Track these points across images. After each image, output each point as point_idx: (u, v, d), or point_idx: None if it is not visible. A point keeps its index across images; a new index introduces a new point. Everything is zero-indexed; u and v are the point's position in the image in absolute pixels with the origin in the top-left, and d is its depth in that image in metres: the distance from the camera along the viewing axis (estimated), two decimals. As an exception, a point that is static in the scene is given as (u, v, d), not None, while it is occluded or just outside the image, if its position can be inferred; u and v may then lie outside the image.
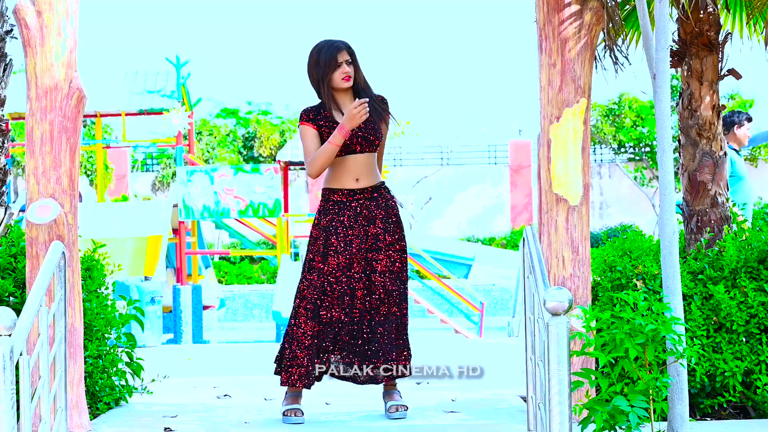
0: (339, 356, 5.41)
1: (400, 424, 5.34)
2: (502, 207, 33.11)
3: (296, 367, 5.41)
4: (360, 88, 5.57)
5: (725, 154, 6.07)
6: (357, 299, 5.42)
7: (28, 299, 4.43)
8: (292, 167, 19.49)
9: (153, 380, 6.43)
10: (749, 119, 8.23)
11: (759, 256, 5.50)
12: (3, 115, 6.02)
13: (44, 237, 5.04)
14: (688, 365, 5.25)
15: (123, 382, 6.01)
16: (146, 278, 13.68)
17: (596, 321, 4.29)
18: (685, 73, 6.09)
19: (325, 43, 5.51)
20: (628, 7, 6.34)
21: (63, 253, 4.93)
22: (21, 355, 4.07)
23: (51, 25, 5.14)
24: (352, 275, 5.43)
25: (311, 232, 5.54)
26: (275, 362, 5.54)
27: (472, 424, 5.36)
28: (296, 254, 19.44)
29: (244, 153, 33.80)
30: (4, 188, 5.95)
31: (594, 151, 32.20)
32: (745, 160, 30.15)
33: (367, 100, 5.41)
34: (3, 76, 6.02)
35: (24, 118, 10.91)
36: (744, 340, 5.40)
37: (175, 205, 15.44)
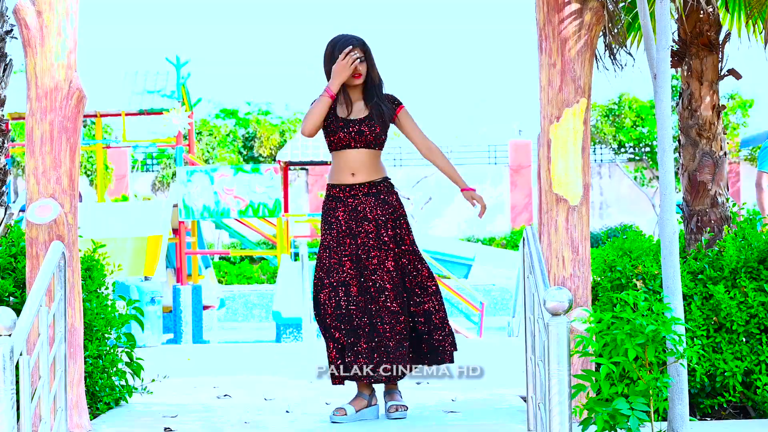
0: (360, 359, 5.38)
1: (400, 424, 5.34)
2: (502, 207, 33.11)
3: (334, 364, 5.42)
4: (372, 85, 5.56)
5: (725, 154, 6.07)
6: (352, 296, 5.41)
7: (28, 299, 4.43)
8: (292, 167, 19.49)
9: (153, 380, 6.43)
10: None
11: (759, 256, 5.50)
12: (3, 115, 6.02)
13: (44, 237, 5.04)
14: (688, 365, 5.25)
15: (123, 382, 6.01)
16: (146, 278, 13.68)
17: (598, 323, 4.29)
18: (685, 73, 6.09)
19: (340, 38, 5.53)
20: (628, 6, 6.33)
21: (63, 253, 4.93)
22: (21, 355, 4.07)
23: (51, 25, 5.14)
24: (347, 271, 5.43)
25: (321, 227, 5.60)
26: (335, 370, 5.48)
27: (472, 424, 5.36)
28: (296, 254, 19.43)
29: (244, 153, 33.81)
30: (4, 188, 5.95)
31: (594, 151, 32.21)
32: (744, 160, 30.21)
33: (351, 49, 5.42)
34: (3, 76, 6.02)
35: (24, 118, 10.91)
36: (744, 340, 5.40)
37: (175, 205, 15.45)
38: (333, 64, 5.48)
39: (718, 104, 6.06)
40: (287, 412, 5.77)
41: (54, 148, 5.12)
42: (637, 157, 30.56)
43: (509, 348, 9.68)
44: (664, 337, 4.22)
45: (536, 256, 4.80)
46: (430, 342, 5.48)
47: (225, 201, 15.34)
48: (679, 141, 6.15)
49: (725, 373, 5.32)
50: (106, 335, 5.85)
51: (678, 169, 6.13)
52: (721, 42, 6.06)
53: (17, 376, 4.07)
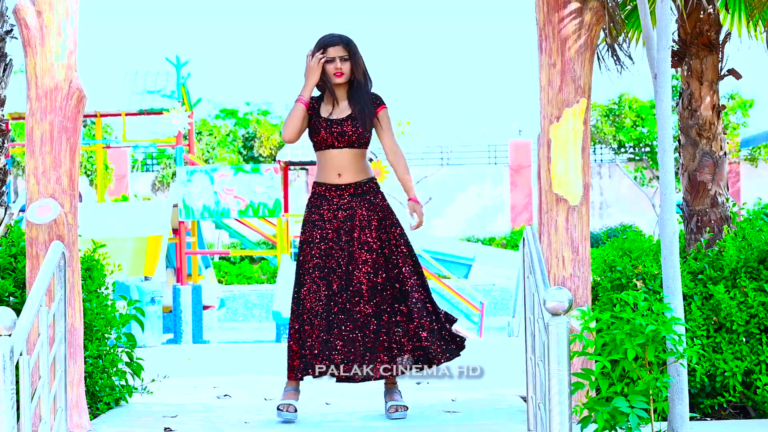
0: (333, 356, 5.37)
1: (400, 424, 5.34)
2: (502, 207, 33.11)
3: (298, 360, 5.40)
4: (358, 85, 5.56)
5: (725, 154, 6.07)
6: (335, 294, 5.40)
7: (28, 299, 4.43)
8: (292, 167, 19.49)
9: (153, 380, 6.43)
10: None
11: (759, 256, 5.49)
12: (3, 115, 6.01)
13: (44, 237, 5.03)
14: (688, 365, 5.25)
15: (123, 382, 6.01)
16: (146, 278, 13.67)
17: (596, 322, 4.29)
18: (685, 73, 6.08)
19: (326, 37, 5.55)
20: (629, 7, 6.34)
21: (63, 253, 4.93)
22: (21, 355, 4.07)
23: (51, 25, 5.14)
24: (331, 269, 5.42)
25: (302, 226, 5.60)
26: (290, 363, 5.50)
27: (472, 424, 5.36)
28: (296, 254, 19.42)
29: (244, 153, 33.81)
30: (4, 188, 5.95)
31: (594, 151, 32.20)
32: (744, 160, 30.22)
33: (320, 52, 5.45)
34: (3, 76, 6.02)
35: (24, 118, 10.91)
36: (744, 340, 5.40)
37: (175, 205, 15.45)
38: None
39: (718, 104, 6.06)
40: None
41: (54, 148, 5.12)
42: (637, 157, 30.56)
43: (509, 348, 9.68)
44: (664, 337, 4.22)
45: (536, 256, 4.80)
46: (415, 343, 5.44)
47: (225, 201, 15.35)
48: (679, 141, 6.15)
49: (725, 373, 5.32)
50: (106, 335, 5.85)
51: (678, 169, 6.12)
52: (721, 42, 6.06)
53: (17, 376, 4.07)
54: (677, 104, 6.17)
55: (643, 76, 5.67)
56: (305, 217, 5.56)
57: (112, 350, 5.88)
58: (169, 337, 14.61)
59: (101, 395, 5.76)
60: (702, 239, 5.85)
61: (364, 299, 5.41)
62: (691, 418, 5.10)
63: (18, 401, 4.06)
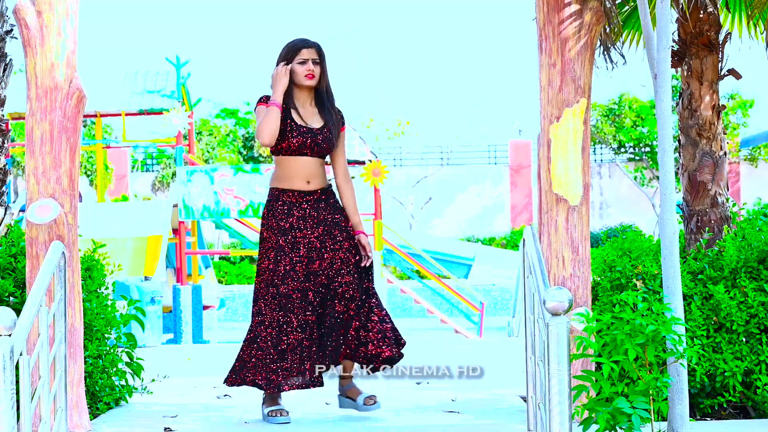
0: (302, 362, 5.37)
1: (400, 424, 5.34)
2: (502, 207, 33.12)
3: (266, 372, 5.37)
4: (323, 92, 5.56)
5: (725, 154, 6.07)
6: (308, 301, 5.39)
7: (28, 299, 4.43)
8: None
9: (153, 380, 6.43)
10: None
11: (759, 256, 5.50)
12: (3, 115, 6.02)
13: (44, 237, 5.03)
14: (688, 365, 5.25)
15: (123, 382, 6.01)
16: (146, 278, 13.67)
17: (596, 323, 4.29)
18: (685, 73, 6.09)
19: (298, 40, 5.54)
20: (628, 8, 6.34)
21: (63, 253, 4.93)
22: (21, 355, 4.07)
23: (51, 25, 5.14)
24: (300, 276, 5.40)
25: (263, 232, 5.50)
26: (235, 371, 5.48)
27: (472, 424, 5.36)
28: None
29: (244, 153, 33.82)
30: (4, 188, 5.95)
31: (594, 151, 32.22)
32: (744, 160, 30.23)
33: (282, 65, 5.44)
34: (3, 76, 6.02)
35: (24, 118, 10.91)
36: (744, 340, 5.40)
37: (175, 205, 15.45)
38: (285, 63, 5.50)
39: (718, 104, 6.06)
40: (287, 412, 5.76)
41: (54, 148, 5.12)
42: (637, 157, 30.57)
43: (509, 348, 9.68)
44: (664, 337, 4.22)
45: (536, 256, 4.80)
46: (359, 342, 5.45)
47: (225, 201, 15.34)
48: (679, 141, 6.16)
49: (725, 373, 5.32)
50: (106, 335, 5.85)
51: (678, 169, 6.13)
52: (721, 42, 6.07)
53: (17, 376, 4.07)
54: (677, 104, 6.18)
55: (643, 76, 5.68)
56: (271, 227, 5.45)
57: (112, 350, 5.88)
58: (169, 337, 14.61)
59: (101, 395, 5.76)
60: (702, 239, 5.85)
61: (338, 300, 5.40)
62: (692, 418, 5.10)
63: (18, 401, 4.06)
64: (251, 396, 6.34)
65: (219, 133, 33.23)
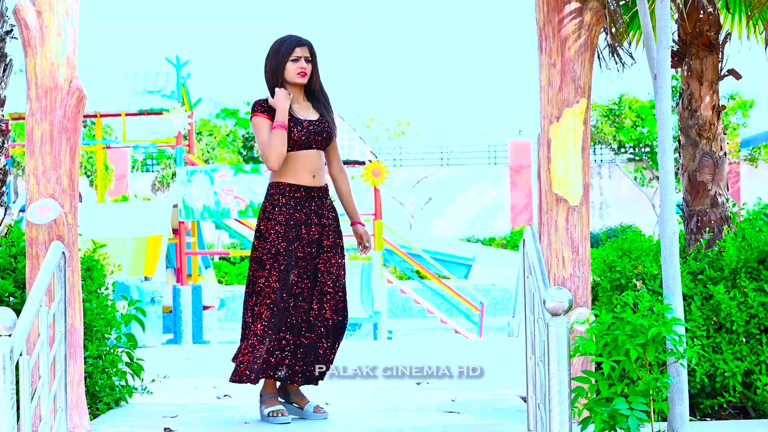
0: (287, 360, 5.37)
1: (400, 424, 5.34)
2: (502, 207, 33.12)
3: (254, 363, 5.37)
4: (315, 90, 5.57)
5: (725, 154, 6.07)
6: (300, 298, 5.39)
7: (28, 299, 4.43)
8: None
9: (153, 380, 6.43)
10: None
11: (759, 256, 5.49)
12: (3, 115, 6.02)
13: (44, 237, 5.03)
14: (688, 365, 5.25)
15: (123, 383, 6.01)
16: (146, 278, 13.68)
17: (597, 324, 4.29)
18: (685, 73, 6.09)
19: (289, 36, 5.54)
20: (627, 6, 6.33)
21: (63, 253, 4.93)
22: (21, 355, 4.07)
23: (51, 25, 5.14)
24: (300, 272, 5.40)
25: (262, 227, 5.47)
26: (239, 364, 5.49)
27: (472, 424, 5.36)
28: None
29: (244, 153, 33.82)
30: (4, 188, 5.95)
31: (594, 151, 32.22)
32: (744, 160, 30.22)
33: (283, 90, 5.45)
34: (3, 76, 6.02)
35: (24, 118, 10.91)
36: (744, 340, 5.40)
37: (175, 205, 15.45)
38: (276, 59, 5.48)
39: (718, 104, 6.06)
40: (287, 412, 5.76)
41: (54, 148, 5.12)
42: (637, 157, 30.57)
43: (509, 348, 9.68)
44: (665, 337, 4.22)
45: (536, 256, 4.80)
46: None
47: (225, 201, 15.34)
48: (679, 141, 6.16)
49: (725, 374, 5.32)
50: (106, 335, 5.85)
51: (678, 169, 6.13)
52: (721, 42, 6.07)
53: (17, 376, 4.07)
54: (677, 104, 6.18)
55: (643, 76, 5.68)
56: (274, 220, 5.43)
57: (112, 350, 5.88)
58: (169, 337, 14.61)
59: (101, 395, 5.76)
60: (702, 239, 5.85)
61: (318, 302, 5.41)
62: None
63: (18, 401, 4.06)
64: (251, 396, 6.34)
65: (219, 133, 33.23)
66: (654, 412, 4.24)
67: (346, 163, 15.10)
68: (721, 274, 5.47)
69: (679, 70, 6.15)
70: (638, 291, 5.33)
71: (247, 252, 20.44)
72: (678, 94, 6.51)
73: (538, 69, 5.28)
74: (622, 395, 4.19)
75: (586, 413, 4.30)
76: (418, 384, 6.63)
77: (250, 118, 5.56)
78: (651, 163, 29.88)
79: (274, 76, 5.50)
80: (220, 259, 28.93)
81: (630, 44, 6.44)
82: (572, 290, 5.13)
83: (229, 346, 11.93)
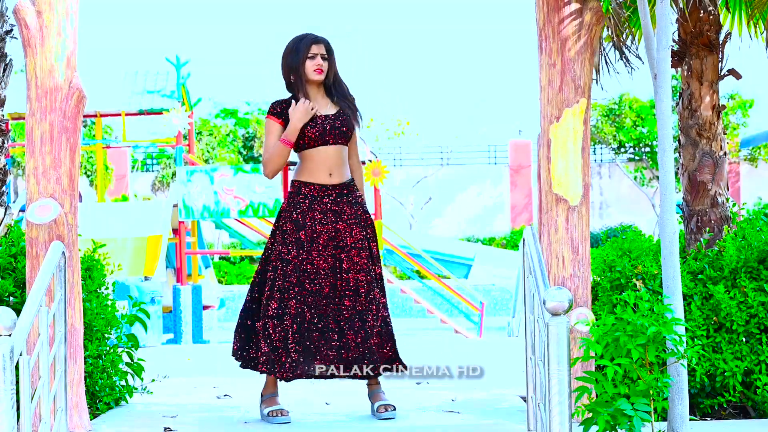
0: (314, 356, 5.36)
1: (400, 424, 5.34)
2: (502, 207, 33.11)
3: (275, 362, 5.36)
4: (332, 84, 5.58)
5: (725, 154, 6.07)
6: (322, 296, 5.39)
7: (28, 299, 4.43)
8: (291, 167, 19.48)
9: (153, 380, 6.43)
10: None
11: (759, 256, 5.49)
12: (3, 115, 6.01)
13: (44, 237, 5.03)
14: (689, 365, 5.25)
15: (123, 383, 6.01)
16: (146, 278, 13.68)
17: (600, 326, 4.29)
18: (685, 73, 6.09)
19: (305, 35, 5.56)
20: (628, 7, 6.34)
21: (63, 253, 4.93)
22: (21, 355, 4.07)
23: (51, 25, 5.14)
24: (318, 271, 5.41)
25: (278, 224, 5.49)
26: (238, 355, 5.48)
27: (472, 424, 5.36)
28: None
29: (244, 153, 33.82)
30: (4, 188, 5.95)
31: (594, 151, 32.21)
32: (744, 160, 30.22)
33: (311, 105, 5.45)
34: (3, 76, 6.02)
35: (24, 118, 10.91)
36: (744, 340, 5.40)
37: (175, 205, 15.45)
38: (293, 58, 5.50)
39: (718, 104, 6.06)
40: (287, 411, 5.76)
41: (54, 148, 5.12)
42: (637, 157, 30.57)
43: (509, 348, 9.68)
44: (665, 337, 4.22)
45: (536, 256, 4.80)
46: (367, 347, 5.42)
47: (225, 201, 15.34)
48: (679, 141, 6.16)
49: (725, 373, 5.32)
50: (107, 335, 5.85)
51: (678, 169, 6.13)
52: (721, 42, 6.07)
53: (17, 376, 4.07)
54: (677, 104, 6.17)
55: (643, 76, 5.68)
56: (290, 218, 5.45)
57: (112, 350, 5.88)
58: (169, 337, 14.61)
59: (101, 395, 5.76)
60: (702, 239, 5.85)
61: (346, 298, 5.40)
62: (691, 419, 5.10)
63: (18, 401, 4.06)
64: (251, 396, 6.34)
65: (219, 133, 33.23)
66: (654, 412, 4.24)
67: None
68: (721, 273, 5.47)
69: (679, 69, 6.15)
70: (638, 291, 5.33)
71: (247, 252, 20.50)
72: (678, 94, 6.51)
73: (538, 69, 5.28)
74: (623, 395, 4.19)
75: (587, 414, 4.29)
76: (418, 384, 6.63)
77: (265, 119, 5.60)
78: (651, 163, 29.88)
79: (294, 76, 5.53)
80: (220, 259, 28.93)
81: (632, 42, 6.43)
82: (572, 290, 5.12)
83: (229, 347, 11.93)
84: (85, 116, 14.99)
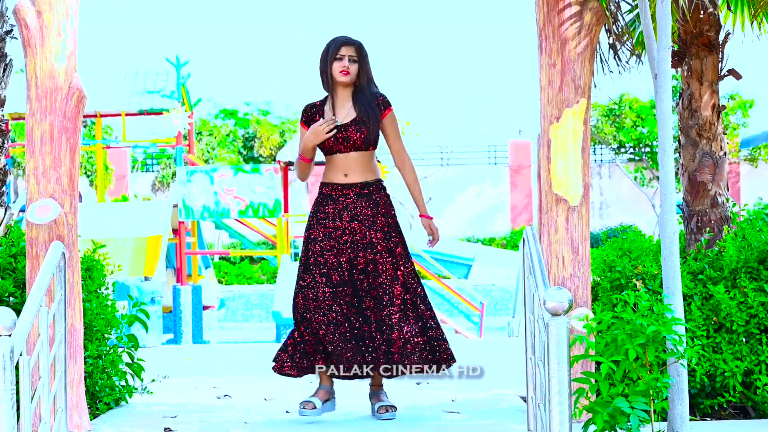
0: (334, 354, 5.37)
1: (400, 424, 5.34)
2: (502, 207, 33.11)
3: (293, 356, 5.42)
4: (364, 87, 5.59)
5: (725, 154, 6.07)
6: (338, 296, 5.41)
7: (28, 299, 4.43)
8: (292, 167, 19.49)
9: (153, 380, 6.43)
10: None
11: (759, 256, 5.49)
12: (3, 115, 6.01)
13: (44, 237, 5.03)
14: (688, 365, 5.25)
15: (123, 383, 6.01)
16: (146, 278, 13.68)
17: (598, 323, 4.29)
18: (685, 73, 6.08)
19: (339, 37, 5.62)
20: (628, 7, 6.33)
21: (63, 253, 4.93)
22: (21, 355, 4.07)
23: (51, 25, 5.14)
24: (335, 269, 5.44)
25: (307, 224, 5.65)
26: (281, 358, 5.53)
27: (472, 424, 5.36)
28: (296, 254, 19.44)
29: (244, 153, 33.81)
30: (4, 188, 5.95)
31: (594, 151, 32.21)
32: (744, 160, 30.22)
33: (333, 120, 5.50)
34: (3, 76, 6.02)
35: (24, 118, 10.91)
36: (744, 340, 5.40)
37: (175, 205, 15.45)
38: (324, 59, 5.57)
39: (718, 104, 6.06)
40: (287, 412, 5.77)
41: (54, 148, 5.12)
42: (637, 157, 30.56)
43: (509, 348, 9.68)
44: (665, 337, 4.22)
45: (536, 256, 4.80)
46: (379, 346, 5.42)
47: (225, 201, 15.35)
48: (679, 141, 6.16)
49: (725, 374, 5.32)
50: (106, 335, 5.85)
51: (678, 169, 6.12)
52: (721, 42, 6.06)
53: (17, 376, 4.07)
54: (677, 104, 6.17)
55: (643, 76, 5.68)
56: (310, 216, 5.61)
57: (112, 350, 5.87)
58: (169, 337, 14.62)
59: (101, 395, 5.76)
60: (702, 239, 5.85)
61: (365, 298, 5.42)
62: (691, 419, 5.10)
63: (18, 401, 4.06)
64: (251, 396, 6.35)
65: (219, 133, 33.22)
66: (654, 412, 4.24)
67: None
68: (721, 274, 5.47)
69: (679, 70, 6.15)
70: (638, 291, 5.33)
71: (247, 252, 20.47)
72: (678, 94, 6.50)
73: (538, 69, 5.28)
74: (622, 395, 4.19)
75: (587, 415, 4.29)
76: (418, 384, 6.63)
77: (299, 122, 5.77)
78: (651, 163, 29.87)
79: (324, 77, 5.61)
80: (220, 259, 28.93)
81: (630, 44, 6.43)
82: (572, 290, 5.13)
83: (229, 346, 11.94)
84: (85, 116, 14.99)
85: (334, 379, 5.52)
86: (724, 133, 6.10)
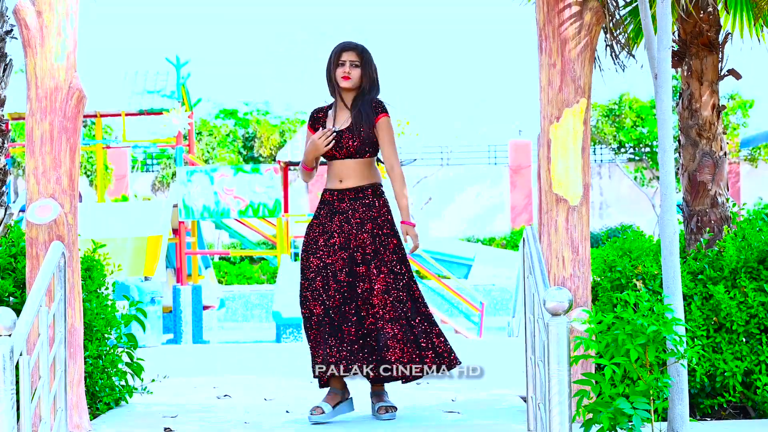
0: (338, 355, 5.38)
1: (400, 424, 5.34)
2: (502, 207, 33.11)
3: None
4: (363, 92, 5.58)
5: (725, 154, 6.07)
6: (334, 299, 5.43)
7: (28, 299, 4.43)
8: (292, 167, 19.49)
9: (153, 380, 6.43)
10: None
11: (759, 256, 5.49)
12: (3, 115, 6.01)
13: (44, 237, 5.03)
14: (689, 365, 5.25)
15: (123, 383, 6.01)
16: (146, 278, 13.68)
17: (598, 323, 4.29)
18: (685, 73, 6.08)
19: (342, 42, 5.64)
20: (629, 8, 6.33)
21: (63, 253, 4.93)
22: (21, 355, 4.07)
23: (51, 25, 5.14)
24: (332, 272, 5.46)
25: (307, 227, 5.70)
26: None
27: (472, 424, 5.36)
28: (296, 254, 19.43)
29: (244, 153, 33.81)
30: (4, 188, 5.95)
31: (594, 151, 32.21)
32: (744, 160, 30.22)
33: (331, 132, 5.52)
34: (3, 76, 6.02)
35: (24, 118, 10.92)
36: (744, 340, 5.40)
37: (175, 205, 15.45)
38: (327, 65, 5.60)
39: (718, 104, 6.06)
40: (287, 412, 5.77)
41: (54, 148, 5.12)
42: (637, 157, 30.56)
43: (509, 348, 9.68)
44: (665, 337, 4.22)
45: (536, 256, 4.80)
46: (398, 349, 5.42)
47: (225, 201, 15.35)
48: (679, 141, 6.16)
49: (725, 373, 5.32)
50: (106, 335, 5.85)
51: (678, 169, 6.12)
52: (721, 42, 6.06)
53: (17, 376, 4.07)
54: (677, 104, 6.17)
55: (643, 76, 5.68)
56: (310, 221, 5.67)
57: (112, 350, 5.87)
58: (169, 337, 14.62)
59: (101, 395, 5.76)
60: (702, 239, 5.85)
61: (361, 301, 5.42)
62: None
63: (18, 401, 4.06)
64: (251, 396, 6.35)
65: (219, 133, 33.22)
66: (654, 412, 4.24)
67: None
68: (721, 274, 5.47)
69: (679, 70, 6.15)
70: (638, 291, 5.33)
71: (247, 252, 20.48)
72: (678, 94, 6.50)
73: (538, 69, 5.27)
74: (622, 395, 4.19)
75: (588, 415, 4.29)
76: (418, 384, 6.63)
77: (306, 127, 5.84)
78: (651, 163, 29.87)
79: (328, 81, 5.64)
80: (220, 259, 28.93)
81: (630, 44, 6.43)
82: (572, 290, 5.12)
83: (229, 346, 11.93)
84: (85, 116, 14.99)
85: (345, 380, 5.52)
86: (724, 133, 6.10)
